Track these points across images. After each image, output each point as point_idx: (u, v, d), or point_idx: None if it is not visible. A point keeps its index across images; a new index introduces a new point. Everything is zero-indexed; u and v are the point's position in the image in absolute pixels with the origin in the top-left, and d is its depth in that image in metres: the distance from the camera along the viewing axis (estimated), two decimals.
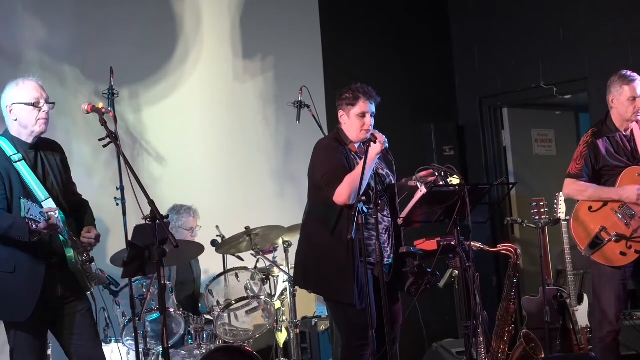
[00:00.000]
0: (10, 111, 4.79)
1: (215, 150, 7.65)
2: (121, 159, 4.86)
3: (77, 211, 4.96)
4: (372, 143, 4.98)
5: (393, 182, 5.23)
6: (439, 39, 9.08)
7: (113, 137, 4.80)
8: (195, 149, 7.53)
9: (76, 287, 4.82)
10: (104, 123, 4.80)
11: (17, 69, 6.42)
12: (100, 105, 4.92)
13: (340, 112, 5.23)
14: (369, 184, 5.02)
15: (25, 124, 4.77)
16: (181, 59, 7.55)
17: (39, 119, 4.77)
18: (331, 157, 5.11)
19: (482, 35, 8.91)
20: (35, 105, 4.75)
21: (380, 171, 5.25)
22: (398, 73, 8.63)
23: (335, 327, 5.98)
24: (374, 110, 5.20)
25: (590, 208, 5.65)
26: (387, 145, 4.99)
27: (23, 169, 4.71)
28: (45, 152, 4.86)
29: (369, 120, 5.16)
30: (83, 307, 4.84)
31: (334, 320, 5.60)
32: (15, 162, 4.71)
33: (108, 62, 6.54)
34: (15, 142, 4.77)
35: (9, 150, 4.73)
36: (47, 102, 4.80)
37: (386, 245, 5.13)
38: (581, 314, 6.71)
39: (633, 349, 6.66)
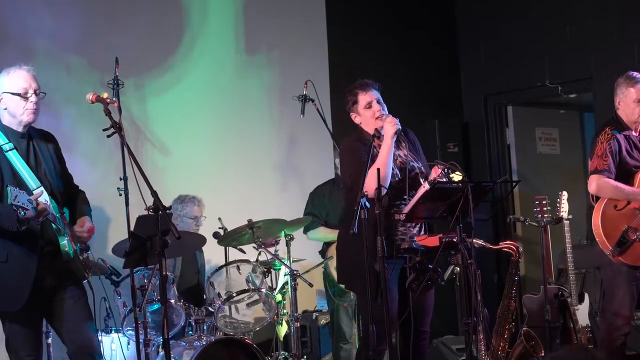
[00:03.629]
0: (0, 100, 4.76)
1: (219, 142, 7.65)
2: (125, 149, 4.83)
3: (72, 201, 4.94)
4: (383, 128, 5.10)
5: (416, 166, 5.24)
6: (445, 34, 9.07)
7: (117, 127, 4.77)
8: (199, 140, 7.53)
9: (70, 276, 4.78)
10: (108, 113, 4.77)
11: (23, 57, 6.39)
12: (105, 95, 4.90)
13: (353, 115, 5.32)
14: None
15: (14, 113, 4.75)
16: (186, 50, 7.55)
17: (26, 109, 4.73)
18: (353, 158, 5.21)
19: (488, 33, 8.90)
20: (22, 95, 4.73)
21: (400, 158, 5.25)
22: (404, 68, 8.63)
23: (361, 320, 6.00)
24: (378, 96, 5.28)
25: (615, 207, 5.55)
26: (399, 126, 5.08)
27: (14, 158, 4.67)
28: (37, 141, 4.83)
29: (376, 107, 5.24)
30: (76, 294, 4.79)
31: (361, 313, 5.74)
32: (7, 151, 4.67)
33: (114, 53, 6.53)
34: (7, 131, 4.74)
35: (0, 139, 4.69)
36: (36, 92, 4.75)
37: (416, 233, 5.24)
38: (582, 313, 6.71)
39: (634, 349, 6.65)
